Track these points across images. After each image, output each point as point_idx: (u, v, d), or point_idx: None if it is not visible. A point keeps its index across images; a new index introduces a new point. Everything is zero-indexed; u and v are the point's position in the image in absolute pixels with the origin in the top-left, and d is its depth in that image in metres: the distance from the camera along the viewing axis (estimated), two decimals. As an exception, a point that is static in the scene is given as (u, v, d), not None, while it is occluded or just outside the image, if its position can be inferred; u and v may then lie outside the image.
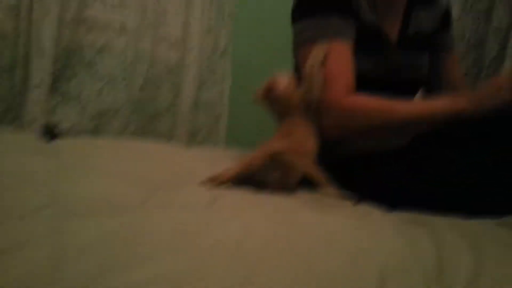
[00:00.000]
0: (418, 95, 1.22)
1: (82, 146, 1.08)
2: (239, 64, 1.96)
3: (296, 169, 0.86)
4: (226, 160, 1.07)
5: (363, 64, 0.98)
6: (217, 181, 0.82)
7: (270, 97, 0.89)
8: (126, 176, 0.82)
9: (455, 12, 1.77)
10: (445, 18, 1.20)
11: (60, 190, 0.66)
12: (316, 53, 0.89)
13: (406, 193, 0.89)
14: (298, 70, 1.11)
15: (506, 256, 0.58)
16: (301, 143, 0.86)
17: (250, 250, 0.51)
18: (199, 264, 0.47)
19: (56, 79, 1.55)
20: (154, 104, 1.79)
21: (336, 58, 0.92)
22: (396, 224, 0.72)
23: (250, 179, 0.85)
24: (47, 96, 1.52)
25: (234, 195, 0.77)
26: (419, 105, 0.94)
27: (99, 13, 1.63)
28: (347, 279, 0.49)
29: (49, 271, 0.42)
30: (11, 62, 1.52)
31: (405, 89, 1.04)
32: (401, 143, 1.02)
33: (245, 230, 0.57)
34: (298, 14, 1.02)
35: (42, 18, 1.48)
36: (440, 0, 1.18)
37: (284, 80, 0.89)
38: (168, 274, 0.43)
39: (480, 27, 1.96)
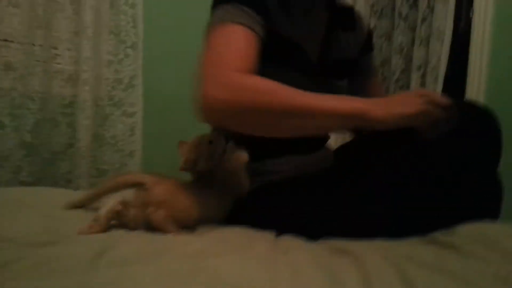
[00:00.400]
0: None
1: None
2: (151, 95, 1.83)
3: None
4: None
5: (283, 80, 0.85)
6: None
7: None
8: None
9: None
10: (367, 42, 1.14)
11: None
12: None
13: (326, 220, 0.84)
14: None
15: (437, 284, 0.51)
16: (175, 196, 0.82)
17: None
18: None
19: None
20: (50, 145, 1.59)
21: (233, 40, 0.82)
22: (318, 256, 0.64)
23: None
24: None
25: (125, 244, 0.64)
26: (319, 97, 0.76)
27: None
28: None
29: None
30: None
31: None
32: (320, 168, 0.96)
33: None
34: (214, 2, 0.92)
35: None
36: (361, 23, 1.13)
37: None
38: None
39: (384, 46, 2.06)
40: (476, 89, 1.72)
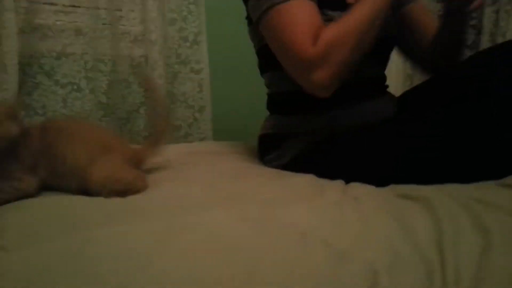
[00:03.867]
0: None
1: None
2: (216, 52, 1.85)
3: None
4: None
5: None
6: None
7: None
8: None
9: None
10: None
11: None
12: None
13: (396, 165, 0.83)
14: (261, 44, 1.04)
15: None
16: None
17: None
18: None
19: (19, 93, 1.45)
20: (124, 105, 1.69)
21: (298, 13, 0.85)
22: (388, 202, 0.64)
23: None
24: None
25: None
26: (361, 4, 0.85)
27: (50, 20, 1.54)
28: (334, 279, 0.41)
29: None
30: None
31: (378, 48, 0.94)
32: (385, 115, 0.95)
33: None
34: None
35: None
36: None
37: None
38: None
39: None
40: None
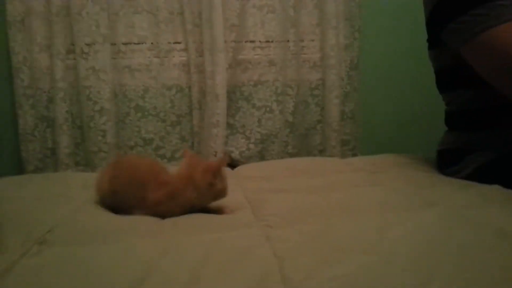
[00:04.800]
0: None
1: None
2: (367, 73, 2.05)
3: None
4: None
5: None
6: None
7: None
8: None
9: None
10: None
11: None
12: None
13: None
14: (446, 64, 1.14)
15: None
16: None
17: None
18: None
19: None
20: (303, 123, 1.94)
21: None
22: None
23: None
24: (223, 131, 1.81)
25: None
26: None
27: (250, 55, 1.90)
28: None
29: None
30: (188, 109, 1.85)
31: None
32: None
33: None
34: (449, 11, 1.00)
35: (212, 70, 1.76)
36: None
37: None
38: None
39: None
40: None
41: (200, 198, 0.86)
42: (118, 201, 0.88)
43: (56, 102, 1.73)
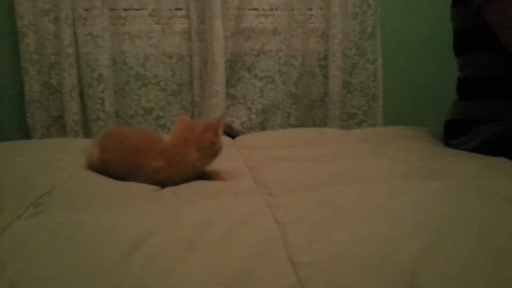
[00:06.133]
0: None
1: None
2: (388, 44, 1.96)
3: None
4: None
5: None
6: None
7: None
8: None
9: None
10: None
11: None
12: None
13: None
14: (466, 27, 1.11)
15: None
16: None
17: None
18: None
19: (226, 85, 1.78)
20: (309, 94, 1.90)
21: None
22: None
23: None
24: (223, 101, 1.77)
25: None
26: None
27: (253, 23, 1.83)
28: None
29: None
30: (189, 78, 1.82)
31: None
32: None
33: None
34: None
35: (211, 38, 1.71)
36: None
37: None
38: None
39: None
40: None
41: (202, 158, 0.85)
42: (110, 172, 0.87)
43: (64, 68, 1.69)
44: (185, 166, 0.84)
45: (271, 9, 1.83)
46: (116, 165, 0.86)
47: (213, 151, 0.85)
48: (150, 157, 0.84)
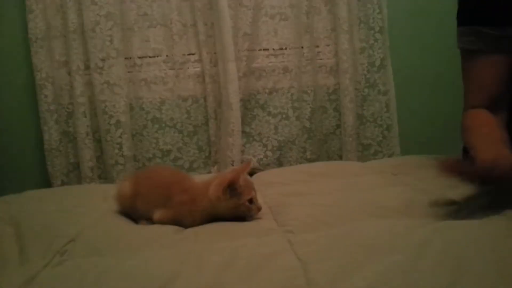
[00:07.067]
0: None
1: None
2: (400, 74, 1.98)
3: None
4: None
5: None
6: None
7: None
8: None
9: None
10: None
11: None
12: None
13: None
14: None
15: None
16: None
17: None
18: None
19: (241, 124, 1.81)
20: (321, 128, 1.92)
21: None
22: None
23: None
24: (239, 139, 1.80)
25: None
26: None
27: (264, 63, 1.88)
28: None
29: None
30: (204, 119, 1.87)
31: None
32: None
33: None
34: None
35: (225, 79, 1.76)
36: None
37: None
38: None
39: None
40: None
41: (213, 209, 0.87)
42: (139, 203, 0.92)
43: (77, 117, 1.75)
44: (202, 208, 0.87)
45: (281, 49, 1.88)
46: (145, 197, 0.93)
47: (223, 207, 0.86)
48: (178, 191, 0.91)
